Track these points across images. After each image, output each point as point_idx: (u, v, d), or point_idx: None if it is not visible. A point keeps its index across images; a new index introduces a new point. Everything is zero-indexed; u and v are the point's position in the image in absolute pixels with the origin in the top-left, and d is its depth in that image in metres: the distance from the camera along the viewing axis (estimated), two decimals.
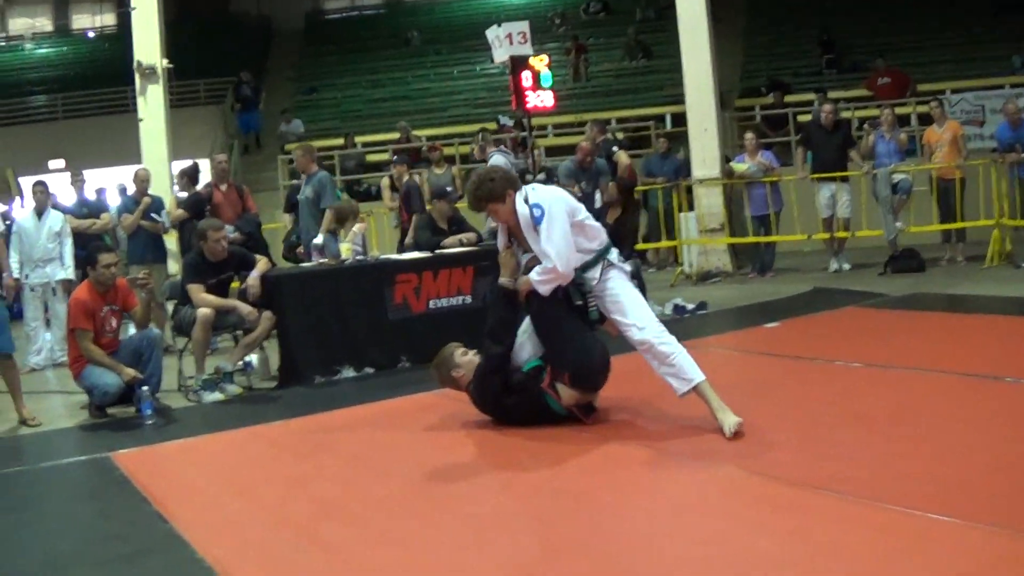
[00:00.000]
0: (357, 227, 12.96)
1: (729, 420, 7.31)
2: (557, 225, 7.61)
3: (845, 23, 28.89)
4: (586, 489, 6.56)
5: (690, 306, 13.97)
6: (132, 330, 11.10)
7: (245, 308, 11.10)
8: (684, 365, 7.56)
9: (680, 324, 12.83)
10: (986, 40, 27.06)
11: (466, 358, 8.49)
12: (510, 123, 25.40)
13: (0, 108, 31.85)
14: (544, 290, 7.75)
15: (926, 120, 20.52)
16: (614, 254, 7.96)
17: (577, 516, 6.13)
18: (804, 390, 8.93)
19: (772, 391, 8.95)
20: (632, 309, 7.76)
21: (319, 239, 12.75)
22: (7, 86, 33.95)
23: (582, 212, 7.94)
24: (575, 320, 7.83)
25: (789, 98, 25.39)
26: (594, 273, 7.80)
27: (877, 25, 28.77)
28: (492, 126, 25.44)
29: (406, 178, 17.35)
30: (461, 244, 12.97)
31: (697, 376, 7.55)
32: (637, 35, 30.51)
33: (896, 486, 5.91)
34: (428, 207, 14.64)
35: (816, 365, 9.99)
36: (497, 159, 16.08)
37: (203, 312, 10.92)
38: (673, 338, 7.68)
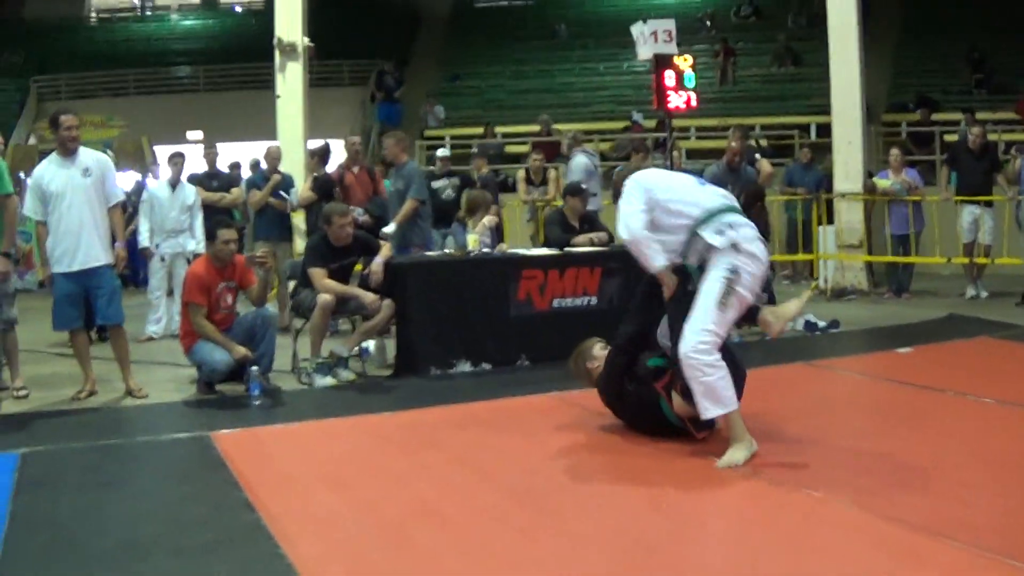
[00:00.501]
0: (487, 219, 12.70)
1: (732, 456, 7.04)
2: (625, 199, 7.51)
3: (997, 43, 27.94)
4: (691, 513, 6.32)
5: (822, 323, 13.46)
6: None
7: (367, 297, 10.86)
8: (718, 387, 7.13)
9: (810, 342, 12.45)
10: None
11: (604, 352, 8.20)
12: (641, 121, 25.19)
13: (143, 77, 32.16)
14: (644, 265, 7.53)
15: None
16: (722, 237, 7.31)
17: (678, 543, 5.85)
18: (932, 424, 8.46)
19: (898, 422, 8.51)
20: (694, 314, 7.25)
21: (389, 228, 12.61)
22: (152, 55, 34.29)
23: (671, 191, 7.59)
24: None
25: (936, 116, 24.66)
26: (693, 256, 7.41)
27: None
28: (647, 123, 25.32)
29: (484, 170, 17.26)
30: (591, 244, 12.62)
31: (730, 404, 7.16)
32: (787, 42, 29.93)
33: None
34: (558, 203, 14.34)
35: (946, 397, 9.44)
36: (580, 160, 15.68)
37: (323, 298, 10.68)
38: (716, 356, 7.16)
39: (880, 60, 26.76)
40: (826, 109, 21.38)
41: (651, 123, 25.78)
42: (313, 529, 6.09)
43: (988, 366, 11.23)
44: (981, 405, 9.01)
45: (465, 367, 11.25)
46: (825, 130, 22.90)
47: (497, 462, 7.49)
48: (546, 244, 13.06)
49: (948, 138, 22.54)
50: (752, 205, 13.58)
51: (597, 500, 6.61)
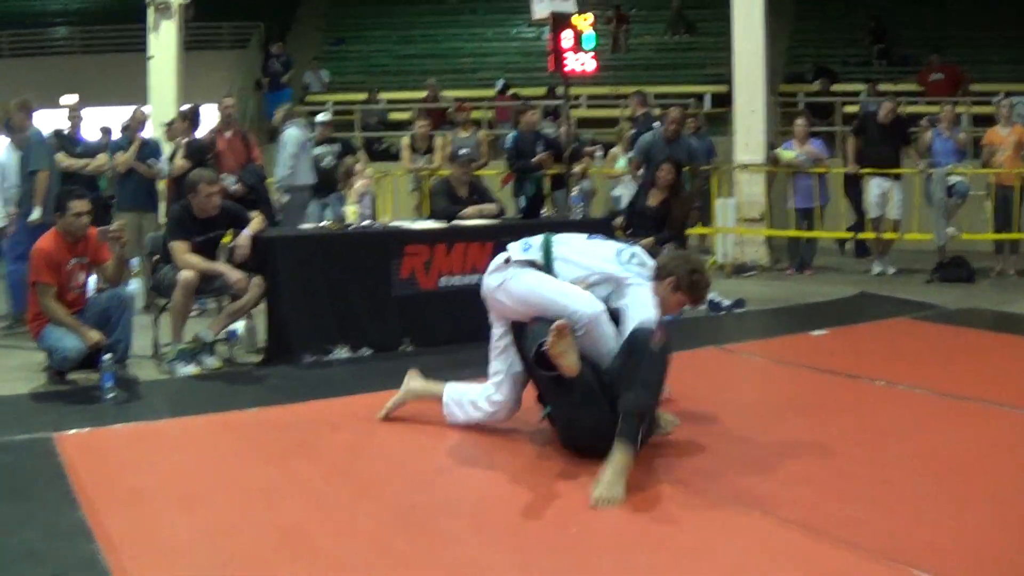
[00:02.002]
0: (359, 184, 11.80)
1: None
2: None
3: (898, 13, 27.63)
4: (605, 534, 5.48)
5: (727, 302, 12.73)
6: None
7: (233, 274, 9.87)
8: None
9: (715, 323, 11.72)
10: None
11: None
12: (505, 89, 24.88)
13: (19, 39, 30.90)
14: None
15: (980, 121, 19.88)
16: None
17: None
18: (854, 416, 7.85)
19: (814, 413, 7.94)
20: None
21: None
22: (28, 16, 32.96)
23: None
24: None
25: (836, 87, 24.41)
26: None
27: (931, 18, 27.61)
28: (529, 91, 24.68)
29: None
30: (481, 216, 11.80)
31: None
32: (682, 9, 29.22)
33: (926, 549, 5.08)
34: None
35: (873, 387, 8.75)
36: (292, 133, 14.53)
37: (185, 275, 9.71)
38: None
39: (777, 30, 26.18)
40: (722, 78, 20.87)
41: (539, 90, 25.04)
42: (158, 563, 5.14)
43: (911, 350, 10.65)
44: (912, 395, 8.45)
45: (343, 353, 10.33)
46: (721, 99, 22.55)
47: (379, 473, 6.55)
48: (432, 216, 12.17)
49: (848, 109, 22.22)
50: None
51: (497, 522, 5.74)
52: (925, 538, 5.25)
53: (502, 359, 7.08)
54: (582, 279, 6.80)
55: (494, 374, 7.15)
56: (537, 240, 7.16)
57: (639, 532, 5.47)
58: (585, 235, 7.40)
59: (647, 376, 6.24)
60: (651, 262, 6.97)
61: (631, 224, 12.81)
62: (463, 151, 13.31)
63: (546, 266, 6.93)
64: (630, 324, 6.50)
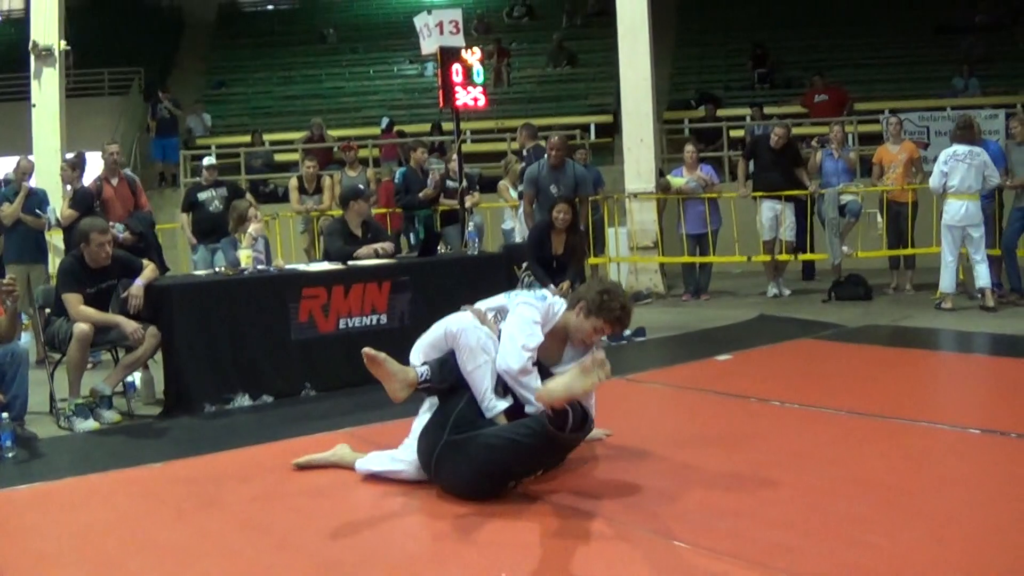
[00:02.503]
0: (253, 228, 11.63)
1: None
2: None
3: (779, 37, 28.03)
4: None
5: (627, 332, 12.66)
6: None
7: (129, 325, 9.64)
8: None
9: (617, 353, 11.64)
10: (926, 60, 26.35)
11: None
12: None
13: None
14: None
15: (866, 140, 20.20)
16: None
17: None
18: (771, 440, 7.83)
19: (730, 440, 7.89)
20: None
21: None
22: None
23: None
24: None
25: (721, 112, 24.59)
26: None
27: (812, 41, 27.95)
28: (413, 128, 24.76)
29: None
30: (377, 255, 11.67)
31: None
32: (562, 42, 29.29)
33: (862, 573, 5.06)
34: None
35: (785, 410, 8.82)
36: None
37: (80, 328, 9.48)
38: None
39: (659, 56, 26.39)
40: (605, 108, 20.89)
41: (424, 127, 24.99)
42: None
43: (816, 370, 10.81)
44: (823, 416, 8.48)
45: (244, 401, 10.15)
46: (603, 130, 22.64)
47: (293, 526, 6.31)
48: (326, 258, 11.98)
49: (734, 134, 22.43)
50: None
51: (421, 570, 5.58)
52: (861, 562, 5.18)
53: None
54: (478, 311, 6.81)
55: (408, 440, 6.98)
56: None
57: (566, 571, 5.36)
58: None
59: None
60: (545, 293, 6.94)
61: (537, 273, 12.66)
62: (362, 187, 13.22)
63: None
64: (501, 343, 6.58)
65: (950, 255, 14.11)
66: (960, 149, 14.05)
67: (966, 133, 14.24)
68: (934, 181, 14.21)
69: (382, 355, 6.29)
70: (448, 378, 6.52)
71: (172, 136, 26.24)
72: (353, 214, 12.20)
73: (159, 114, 26.20)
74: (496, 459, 6.22)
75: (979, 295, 14.13)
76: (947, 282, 14.18)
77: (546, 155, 14.28)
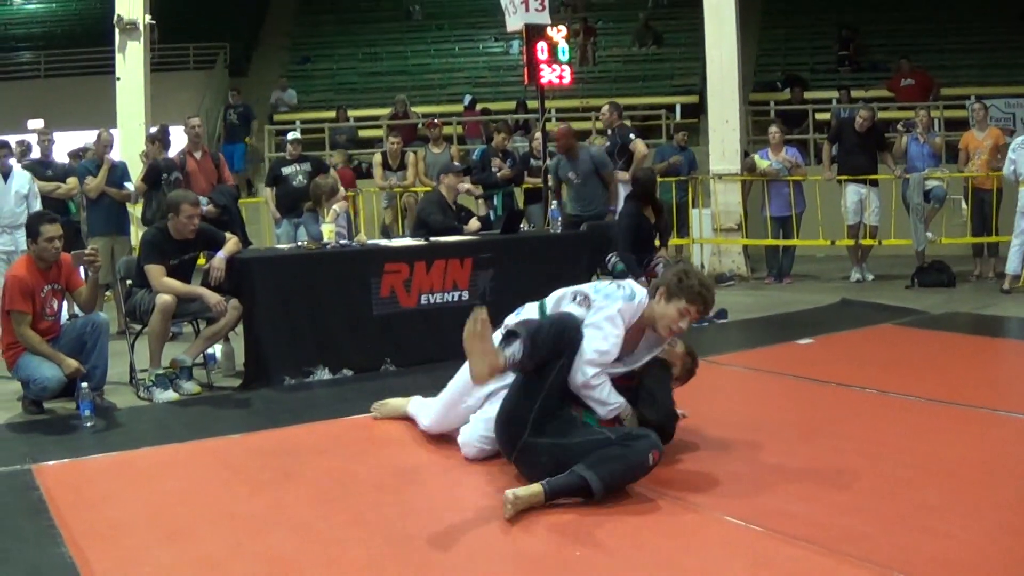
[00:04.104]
0: (338, 205, 11.64)
1: None
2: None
3: (865, 20, 27.67)
4: (616, 552, 5.28)
5: (709, 313, 12.53)
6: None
7: (212, 297, 9.61)
8: None
9: (699, 335, 11.54)
10: (1013, 46, 25.69)
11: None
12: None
13: None
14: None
15: (952, 126, 19.91)
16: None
17: None
18: (850, 426, 7.76)
19: (808, 425, 7.87)
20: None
21: None
22: None
23: None
24: None
25: (807, 95, 24.39)
26: None
27: (899, 25, 27.52)
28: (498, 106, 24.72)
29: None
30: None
31: None
32: (648, 21, 29.16)
33: (937, 562, 4.99)
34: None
35: (865, 395, 8.71)
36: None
37: (163, 299, 9.46)
38: None
39: (745, 38, 26.21)
40: (690, 88, 20.69)
41: (509, 105, 24.95)
42: None
43: (897, 357, 10.61)
44: (902, 403, 8.38)
45: (324, 375, 10.13)
46: (689, 110, 22.47)
47: (367, 500, 6.30)
48: (428, 231, 11.95)
49: (820, 116, 22.20)
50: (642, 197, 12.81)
51: (495, 551, 5.55)
52: (935, 551, 5.12)
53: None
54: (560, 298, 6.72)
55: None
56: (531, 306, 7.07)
57: (645, 553, 5.30)
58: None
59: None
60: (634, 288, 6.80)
61: (628, 261, 12.58)
62: (456, 164, 13.27)
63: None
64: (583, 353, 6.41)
65: (1016, 239, 14.33)
66: None
67: None
68: (1005, 168, 14.43)
69: (489, 329, 6.13)
70: (538, 356, 6.34)
71: (238, 142, 25.24)
72: (447, 188, 12.21)
73: (228, 119, 25.59)
74: (578, 458, 6.10)
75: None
76: (1012, 264, 14.40)
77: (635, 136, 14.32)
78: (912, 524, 5.50)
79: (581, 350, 6.36)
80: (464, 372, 6.79)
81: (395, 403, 8.07)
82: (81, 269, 9.58)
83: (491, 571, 5.28)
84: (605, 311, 6.49)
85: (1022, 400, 8.51)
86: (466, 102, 25.75)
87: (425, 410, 7.59)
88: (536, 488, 5.84)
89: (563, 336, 6.29)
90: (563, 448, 6.14)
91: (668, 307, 6.49)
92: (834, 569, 4.97)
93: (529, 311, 6.99)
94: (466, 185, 13.95)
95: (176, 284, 9.68)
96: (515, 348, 6.18)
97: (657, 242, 12.87)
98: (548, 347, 6.23)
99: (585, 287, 6.76)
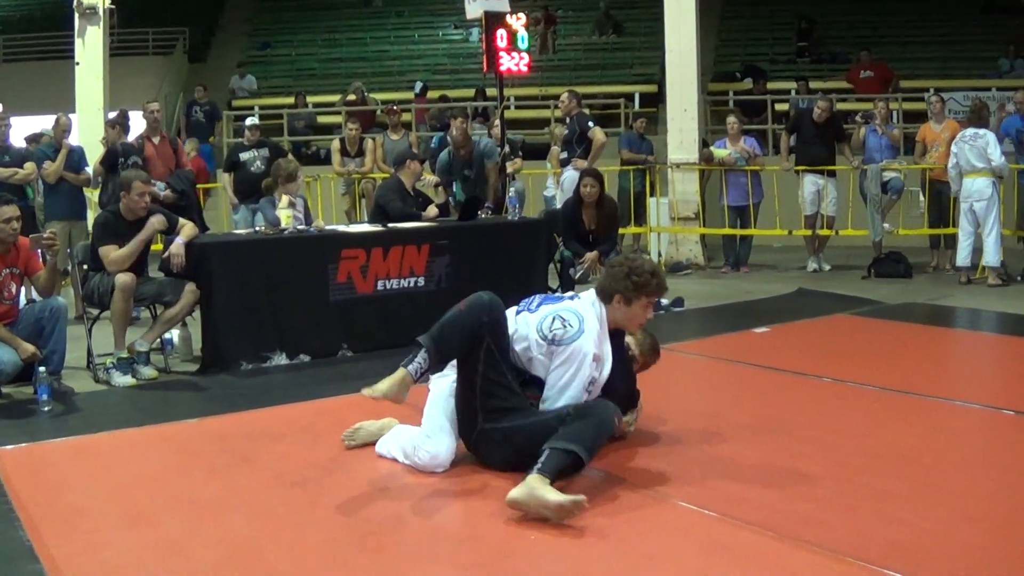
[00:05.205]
0: (292, 187, 11.64)
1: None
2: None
3: (825, 12, 27.83)
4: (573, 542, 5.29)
5: (665, 301, 12.60)
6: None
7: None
8: None
9: (656, 323, 11.57)
10: (972, 40, 26.06)
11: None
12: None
13: None
14: None
15: (911, 118, 20.16)
16: None
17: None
18: (806, 414, 7.87)
19: (765, 412, 7.91)
20: None
21: None
22: None
23: None
24: None
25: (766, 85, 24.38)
26: None
27: (859, 17, 27.79)
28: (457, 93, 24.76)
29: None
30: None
31: None
32: (608, 10, 29.23)
33: (893, 548, 5.04)
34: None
35: (821, 384, 8.82)
36: None
37: (121, 279, 9.46)
38: None
39: (704, 29, 26.32)
40: (650, 78, 20.76)
41: (468, 92, 25.07)
42: None
43: (853, 346, 10.69)
44: (858, 391, 8.45)
45: (281, 360, 10.16)
46: (648, 99, 22.54)
47: (325, 485, 6.33)
48: (386, 218, 11.93)
49: (779, 107, 22.37)
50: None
51: (452, 534, 5.63)
52: (892, 537, 5.17)
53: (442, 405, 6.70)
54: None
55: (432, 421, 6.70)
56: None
57: (600, 538, 5.33)
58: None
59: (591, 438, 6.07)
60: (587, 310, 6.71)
61: (573, 247, 12.63)
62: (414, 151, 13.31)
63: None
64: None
65: (962, 230, 14.58)
66: (968, 132, 14.52)
67: (974, 117, 14.81)
68: (950, 162, 14.70)
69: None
70: (447, 352, 6.30)
71: (203, 143, 23.46)
72: (408, 174, 12.25)
73: (193, 116, 24.95)
74: (538, 441, 6.09)
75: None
76: (960, 256, 14.70)
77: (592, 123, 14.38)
78: (866, 510, 5.56)
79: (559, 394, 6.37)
80: (433, 398, 6.78)
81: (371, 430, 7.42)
82: (39, 253, 9.58)
83: (447, 553, 5.29)
84: (572, 363, 6.35)
85: (975, 390, 8.67)
86: (417, 89, 25.80)
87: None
88: (536, 478, 5.75)
89: (474, 320, 6.21)
90: (519, 429, 6.16)
91: (632, 309, 6.49)
92: (789, 554, 5.02)
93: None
94: (432, 179, 14.00)
95: (124, 251, 9.70)
96: (420, 358, 6.16)
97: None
98: (460, 339, 6.23)
99: (546, 333, 6.62)
